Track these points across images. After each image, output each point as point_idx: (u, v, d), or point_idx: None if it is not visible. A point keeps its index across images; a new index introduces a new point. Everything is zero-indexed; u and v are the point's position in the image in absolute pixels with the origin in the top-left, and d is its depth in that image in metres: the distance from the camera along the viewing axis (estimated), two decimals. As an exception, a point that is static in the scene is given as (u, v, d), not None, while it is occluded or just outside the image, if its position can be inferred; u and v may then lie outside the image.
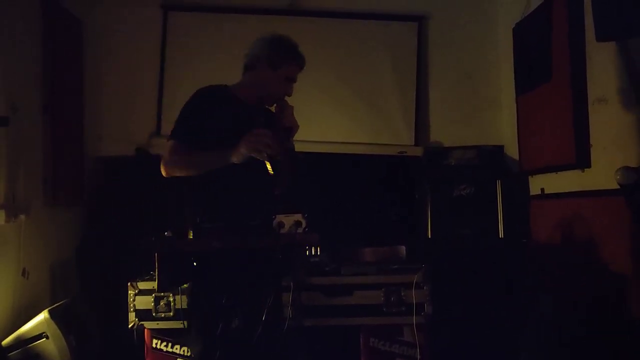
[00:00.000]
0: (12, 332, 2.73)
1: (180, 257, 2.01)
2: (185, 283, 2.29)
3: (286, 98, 2.29)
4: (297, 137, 2.29)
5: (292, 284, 2.41)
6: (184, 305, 2.62)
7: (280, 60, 2.26)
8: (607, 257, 2.67)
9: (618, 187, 2.38)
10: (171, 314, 2.88)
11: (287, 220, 1.90)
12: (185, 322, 2.33)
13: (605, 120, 2.80)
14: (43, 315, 2.71)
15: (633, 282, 2.41)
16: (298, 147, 2.32)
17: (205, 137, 2.11)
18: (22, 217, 2.97)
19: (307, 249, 2.99)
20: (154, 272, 3.05)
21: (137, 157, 3.84)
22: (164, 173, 2.15)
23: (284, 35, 2.32)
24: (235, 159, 2.01)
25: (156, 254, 1.91)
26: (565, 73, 3.02)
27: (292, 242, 1.84)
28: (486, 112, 4.01)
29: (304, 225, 1.90)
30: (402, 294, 2.90)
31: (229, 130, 2.09)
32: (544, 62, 3.22)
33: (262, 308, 2.02)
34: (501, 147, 3.79)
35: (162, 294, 2.83)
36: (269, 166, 2.02)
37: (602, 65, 2.77)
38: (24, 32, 3.13)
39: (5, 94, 2.88)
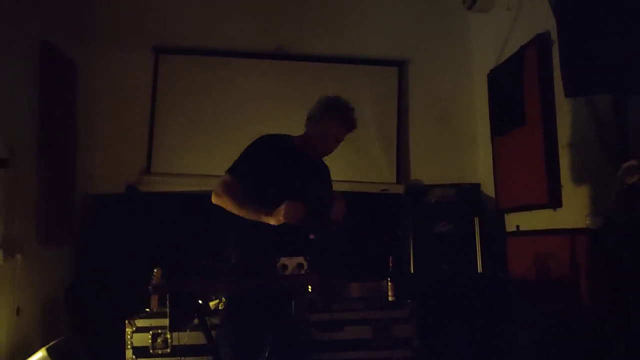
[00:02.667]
0: (7, 371, 2.77)
1: (190, 296, 2.11)
2: (193, 321, 2.39)
3: None
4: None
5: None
6: (181, 342, 2.71)
7: (323, 114, 2.47)
8: (579, 291, 2.85)
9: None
10: (168, 350, 2.96)
11: (290, 263, 2.03)
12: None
13: (574, 164, 3.02)
14: (41, 354, 2.75)
15: (603, 317, 2.58)
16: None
17: (257, 180, 2.31)
18: (19, 256, 3.02)
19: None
20: (150, 309, 3.15)
21: (127, 194, 3.92)
22: (212, 200, 2.33)
23: (338, 96, 2.53)
24: (273, 222, 2.20)
25: (168, 295, 2.01)
26: (537, 119, 3.24)
27: (296, 282, 1.96)
28: (463, 151, 4.22)
29: (305, 267, 2.03)
30: (390, 328, 3.04)
31: (280, 178, 2.32)
32: (518, 107, 3.43)
33: None
34: (478, 185, 3.99)
35: (159, 331, 2.90)
36: None
37: (571, 114, 3.01)
38: (22, 75, 3.22)
39: (4, 137, 2.95)
